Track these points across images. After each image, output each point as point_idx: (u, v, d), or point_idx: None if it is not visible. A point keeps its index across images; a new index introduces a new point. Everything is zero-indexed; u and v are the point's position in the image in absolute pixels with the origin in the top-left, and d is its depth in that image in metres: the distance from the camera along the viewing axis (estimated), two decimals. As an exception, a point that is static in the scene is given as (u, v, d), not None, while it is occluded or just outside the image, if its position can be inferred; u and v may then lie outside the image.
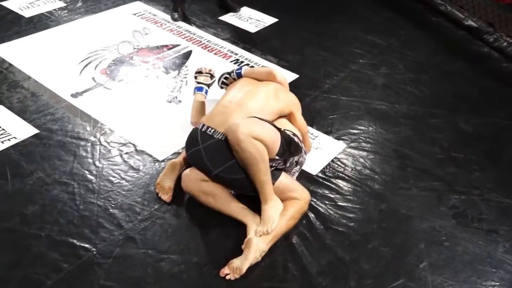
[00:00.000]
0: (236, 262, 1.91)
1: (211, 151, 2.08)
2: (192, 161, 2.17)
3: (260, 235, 1.97)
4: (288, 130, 2.20)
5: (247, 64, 3.28)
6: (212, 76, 2.60)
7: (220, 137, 2.08)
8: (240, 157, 1.97)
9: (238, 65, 3.24)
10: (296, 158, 2.21)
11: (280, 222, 2.03)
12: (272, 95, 2.31)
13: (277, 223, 2.01)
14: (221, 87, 2.61)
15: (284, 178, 2.13)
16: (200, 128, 2.15)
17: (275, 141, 2.04)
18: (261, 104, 2.23)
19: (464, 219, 2.23)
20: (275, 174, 2.09)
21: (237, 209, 2.09)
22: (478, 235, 2.15)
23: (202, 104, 2.52)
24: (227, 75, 2.56)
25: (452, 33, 3.93)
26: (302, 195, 2.15)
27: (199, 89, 2.55)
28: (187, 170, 2.17)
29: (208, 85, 2.57)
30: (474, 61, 3.57)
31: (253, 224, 2.02)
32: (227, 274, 1.89)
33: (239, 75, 2.50)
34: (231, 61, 3.32)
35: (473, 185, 2.42)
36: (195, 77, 2.60)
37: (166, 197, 2.20)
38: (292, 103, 2.40)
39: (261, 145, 1.95)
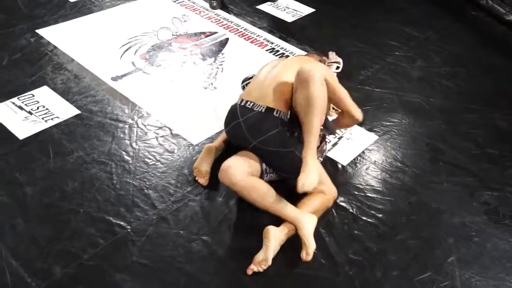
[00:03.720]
0: (260, 255, 1.91)
1: (251, 123, 2.12)
2: (232, 136, 2.22)
3: (301, 186, 1.87)
4: None
5: (283, 54, 3.30)
6: None
7: (260, 110, 2.12)
8: (305, 94, 1.95)
9: (274, 54, 3.27)
10: (322, 145, 2.24)
11: (277, 206, 2.01)
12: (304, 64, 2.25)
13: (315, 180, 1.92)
14: (244, 88, 2.57)
15: (320, 167, 2.13)
16: (239, 103, 2.20)
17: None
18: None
19: (496, 216, 2.21)
20: None
21: (285, 207, 2.01)
22: (509, 232, 2.13)
23: None
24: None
25: (492, 28, 3.84)
26: (330, 190, 2.16)
27: None
28: (231, 162, 2.06)
29: None
30: (514, 56, 3.49)
31: (304, 223, 1.95)
32: (253, 269, 1.89)
33: None
34: (266, 50, 3.34)
35: (507, 182, 2.38)
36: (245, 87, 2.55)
37: (203, 180, 2.25)
38: (329, 75, 2.20)
39: (326, 94, 2.00)
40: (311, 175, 1.90)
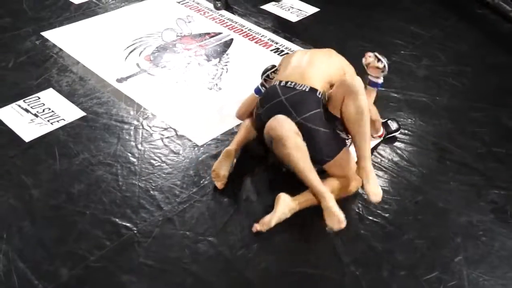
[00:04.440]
0: (267, 217, 2.02)
1: (295, 100, 2.15)
2: (269, 114, 2.15)
3: (375, 196, 2.03)
4: None
5: (287, 54, 3.29)
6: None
7: (303, 89, 2.17)
8: (357, 105, 2.06)
9: (279, 55, 3.26)
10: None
11: (315, 183, 2.06)
12: (331, 59, 2.44)
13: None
14: (265, 80, 2.48)
15: (349, 153, 2.21)
16: (277, 84, 2.23)
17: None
18: (326, 66, 2.35)
19: (503, 215, 2.20)
20: (341, 143, 2.19)
21: (315, 177, 2.05)
22: (516, 231, 2.13)
23: (255, 101, 2.45)
24: (274, 70, 2.46)
25: (497, 26, 3.81)
26: (356, 180, 2.20)
27: (258, 92, 2.44)
28: (283, 117, 2.10)
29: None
30: (521, 54, 3.47)
31: (328, 196, 2.00)
32: (257, 228, 2.01)
33: None
34: (271, 50, 3.34)
35: (514, 180, 2.38)
36: (262, 76, 2.47)
37: (220, 184, 2.23)
38: (346, 62, 2.53)
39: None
40: (377, 184, 2.04)
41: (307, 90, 2.18)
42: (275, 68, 2.46)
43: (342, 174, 2.18)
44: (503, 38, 3.69)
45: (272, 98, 2.21)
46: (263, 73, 2.49)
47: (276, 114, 2.14)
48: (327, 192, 2.01)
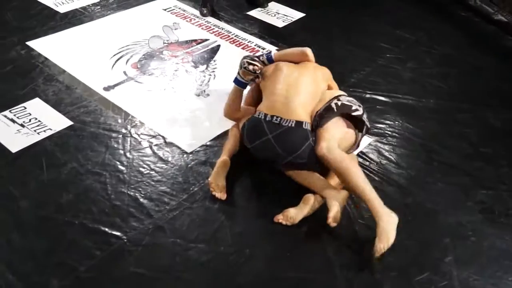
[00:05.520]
0: (291, 211, 2.09)
1: (283, 139, 2.15)
2: (259, 152, 2.25)
3: (379, 252, 1.94)
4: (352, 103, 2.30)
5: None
6: (256, 78, 2.46)
7: (289, 125, 2.16)
8: (333, 170, 2.12)
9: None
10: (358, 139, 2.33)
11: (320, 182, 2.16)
12: (316, 78, 2.39)
13: (393, 236, 1.97)
14: (254, 70, 2.41)
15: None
16: (263, 118, 2.21)
17: (348, 130, 2.25)
18: (313, 89, 2.34)
19: (491, 215, 2.22)
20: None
21: (317, 182, 2.16)
22: (505, 231, 2.14)
23: (239, 96, 2.47)
24: (251, 60, 2.42)
25: (481, 28, 3.87)
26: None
27: (239, 83, 2.44)
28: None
29: (247, 82, 2.48)
30: (503, 56, 3.52)
31: (333, 198, 2.07)
32: (280, 220, 2.08)
33: (270, 60, 2.50)
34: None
35: (501, 180, 2.40)
36: (240, 66, 2.43)
37: (220, 194, 2.21)
38: (329, 75, 2.51)
39: (352, 141, 2.22)
40: (387, 236, 1.96)
41: (293, 125, 2.16)
42: (255, 61, 2.41)
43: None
44: (487, 39, 3.74)
45: (260, 135, 2.20)
46: (244, 58, 2.46)
47: (264, 153, 2.23)
48: (329, 195, 2.09)
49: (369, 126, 2.34)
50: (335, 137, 2.16)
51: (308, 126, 2.19)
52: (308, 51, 2.49)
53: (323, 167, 2.20)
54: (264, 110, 2.25)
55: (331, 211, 2.02)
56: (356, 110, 2.26)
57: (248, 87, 2.58)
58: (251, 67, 2.40)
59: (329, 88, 2.49)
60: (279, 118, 2.18)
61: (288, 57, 2.51)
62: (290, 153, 2.16)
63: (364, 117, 2.29)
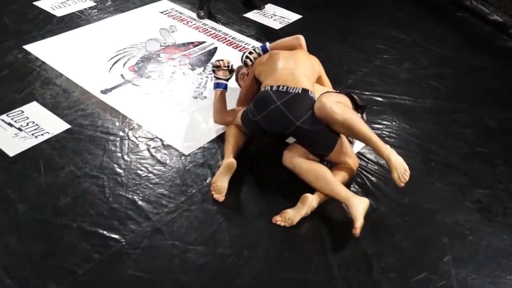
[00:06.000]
0: (289, 212, 2.11)
1: (290, 105, 2.19)
2: (269, 121, 2.25)
3: (402, 181, 2.06)
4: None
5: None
6: (231, 70, 2.64)
7: (296, 91, 2.21)
8: (340, 123, 2.14)
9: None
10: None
11: (330, 187, 2.15)
12: (310, 58, 2.57)
13: (404, 163, 2.09)
14: (245, 63, 2.66)
15: (345, 141, 2.29)
16: (269, 89, 2.25)
17: (347, 100, 2.31)
18: (309, 66, 2.48)
19: (488, 214, 2.23)
20: (335, 136, 2.25)
21: (337, 188, 2.15)
22: (502, 230, 2.15)
23: (224, 100, 2.59)
24: (252, 51, 2.67)
25: (477, 28, 3.89)
26: (354, 162, 2.32)
27: (219, 85, 2.58)
28: (291, 147, 2.32)
29: (227, 79, 2.62)
30: (499, 55, 3.53)
31: (355, 202, 2.07)
32: (279, 221, 2.10)
33: (265, 50, 2.66)
34: (255, 58, 3.35)
35: (498, 179, 2.41)
36: (213, 71, 2.64)
37: (219, 196, 2.22)
38: (319, 63, 2.63)
39: (347, 106, 2.24)
40: (400, 163, 2.08)
41: (300, 92, 2.21)
42: (253, 54, 2.64)
43: (342, 161, 2.29)
44: (483, 40, 3.76)
45: (268, 104, 2.23)
46: (244, 53, 2.68)
47: (274, 121, 2.23)
48: (350, 202, 2.08)
49: (365, 104, 2.47)
50: (336, 97, 2.23)
51: (313, 95, 2.26)
52: (301, 36, 2.64)
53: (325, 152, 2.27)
54: (270, 83, 2.29)
55: (358, 222, 2.00)
56: (354, 95, 2.42)
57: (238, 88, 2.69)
58: (251, 55, 2.65)
59: (320, 80, 2.57)
60: (286, 86, 2.23)
61: (282, 44, 2.66)
62: (297, 117, 2.18)
63: (360, 102, 2.44)
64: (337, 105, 2.16)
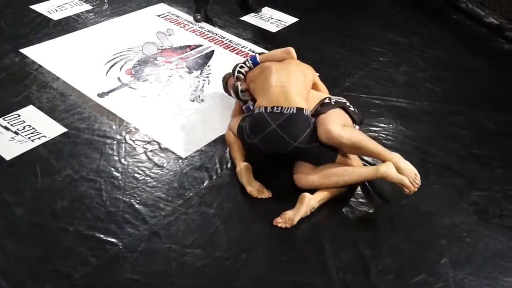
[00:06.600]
0: (289, 213, 2.11)
1: (286, 126, 2.18)
2: (266, 143, 2.24)
3: (414, 186, 2.11)
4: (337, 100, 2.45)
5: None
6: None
7: (291, 111, 2.19)
8: (349, 147, 2.17)
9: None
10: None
11: (362, 171, 2.20)
12: (302, 68, 2.52)
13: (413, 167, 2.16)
14: (237, 78, 2.60)
15: None
16: (263, 111, 2.23)
17: (345, 116, 2.32)
18: (303, 79, 2.43)
19: (485, 215, 2.23)
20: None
21: (360, 174, 2.19)
22: (499, 231, 2.15)
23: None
24: (242, 65, 2.63)
25: (473, 31, 3.90)
26: (359, 164, 2.32)
27: (248, 109, 2.51)
28: (297, 169, 2.31)
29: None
30: (496, 58, 3.55)
31: (385, 170, 2.12)
32: (279, 223, 2.10)
33: (255, 63, 2.61)
34: (252, 61, 3.36)
35: (495, 181, 2.41)
36: (242, 95, 2.52)
37: (265, 194, 2.25)
38: (313, 71, 2.62)
39: (351, 127, 2.28)
40: (410, 169, 2.15)
41: (294, 112, 2.19)
42: (244, 68, 2.60)
43: (347, 164, 2.27)
44: (479, 42, 3.77)
45: (264, 127, 2.21)
46: (236, 66, 2.64)
47: (271, 144, 2.23)
48: (380, 172, 2.13)
49: (362, 117, 2.48)
50: (339, 121, 2.24)
51: (308, 113, 2.25)
52: (291, 49, 2.60)
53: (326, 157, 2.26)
54: (263, 104, 2.27)
55: (404, 180, 2.09)
56: (350, 106, 2.41)
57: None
58: (243, 69, 2.59)
59: (315, 86, 2.56)
60: (280, 107, 2.21)
61: (272, 57, 2.63)
62: (294, 138, 2.18)
63: (356, 111, 2.46)
64: (344, 130, 2.17)
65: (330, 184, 2.20)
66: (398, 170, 2.12)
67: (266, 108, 2.23)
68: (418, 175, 2.13)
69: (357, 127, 2.40)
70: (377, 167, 2.15)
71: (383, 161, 2.18)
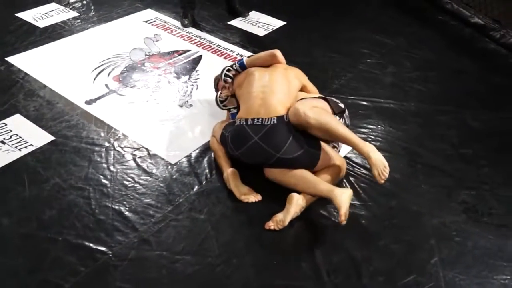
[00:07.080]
0: (279, 215, 2.11)
1: (268, 138, 2.18)
2: (249, 156, 2.25)
3: (381, 178, 2.08)
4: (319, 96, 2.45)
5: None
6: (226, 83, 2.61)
7: (271, 122, 2.19)
8: (317, 127, 2.15)
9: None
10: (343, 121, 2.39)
11: (313, 185, 2.16)
12: (288, 76, 2.47)
13: (383, 159, 2.11)
14: (225, 81, 2.60)
15: (327, 148, 2.28)
16: (244, 123, 2.23)
17: (324, 104, 2.32)
18: (287, 87, 2.40)
19: (474, 214, 2.24)
20: (317, 149, 2.24)
21: (318, 186, 2.15)
22: (488, 230, 2.16)
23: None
24: (230, 68, 2.62)
25: (458, 31, 3.93)
26: (341, 163, 2.32)
27: (234, 116, 2.50)
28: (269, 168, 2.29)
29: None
30: (481, 57, 3.58)
31: (338, 192, 2.07)
32: (271, 226, 2.10)
33: (242, 66, 2.59)
34: (240, 65, 3.36)
35: (483, 180, 2.43)
36: (223, 105, 2.56)
37: (255, 198, 2.26)
38: (301, 75, 2.59)
39: (323, 109, 2.25)
40: (380, 160, 2.10)
41: (275, 122, 2.19)
42: (231, 71, 2.59)
43: (329, 165, 2.28)
44: (465, 42, 3.80)
45: (245, 140, 2.22)
46: (224, 69, 2.62)
47: (254, 156, 2.24)
48: (332, 194, 2.08)
49: (344, 108, 2.46)
50: (311, 103, 2.24)
51: (287, 119, 2.23)
52: (277, 52, 2.58)
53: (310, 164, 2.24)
54: (244, 115, 2.27)
55: (342, 209, 2.00)
56: (332, 99, 2.45)
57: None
58: (230, 73, 2.58)
59: (305, 88, 2.55)
60: (260, 119, 2.21)
61: (259, 61, 2.59)
62: (277, 149, 2.17)
63: (338, 103, 2.46)
64: (311, 110, 2.17)
65: (288, 185, 2.21)
66: (368, 160, 2.11)
67: (246, 120, 2.23)
68: (388, 167, 2.10)
69: (337, 117, 2.36)
70: (333, 189, 2.10)
71: (354, 147, 2.18)
